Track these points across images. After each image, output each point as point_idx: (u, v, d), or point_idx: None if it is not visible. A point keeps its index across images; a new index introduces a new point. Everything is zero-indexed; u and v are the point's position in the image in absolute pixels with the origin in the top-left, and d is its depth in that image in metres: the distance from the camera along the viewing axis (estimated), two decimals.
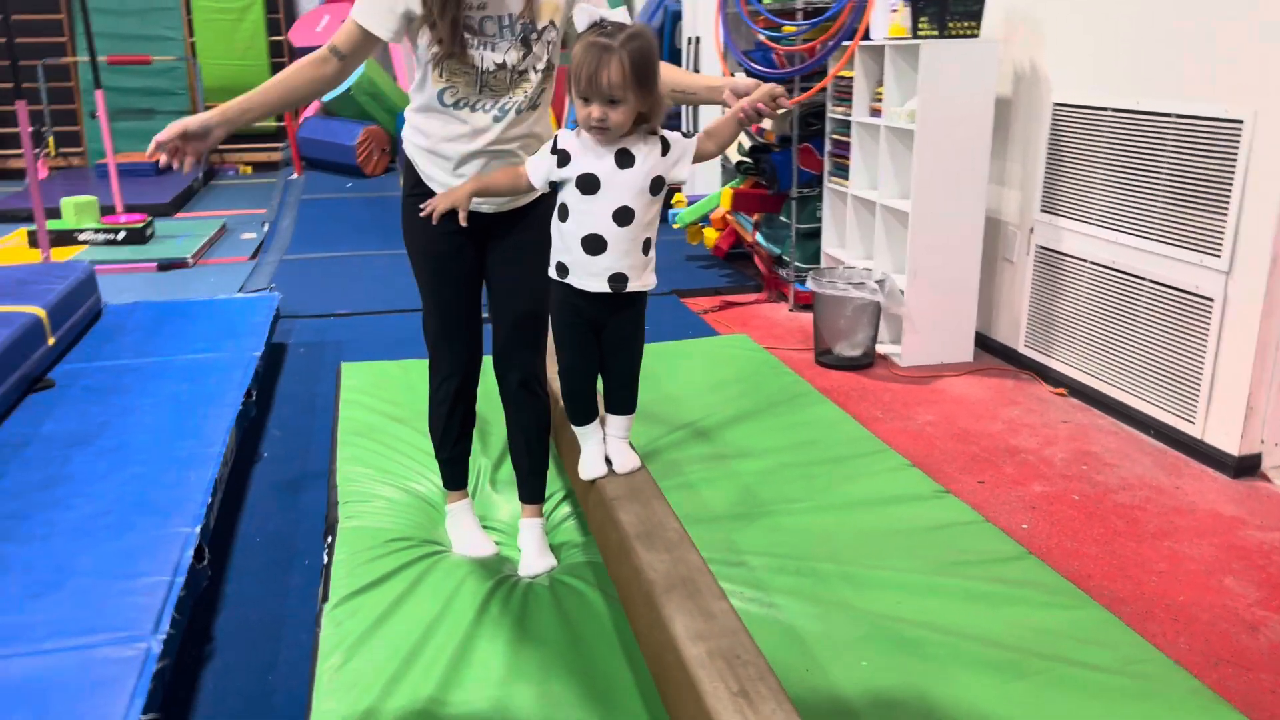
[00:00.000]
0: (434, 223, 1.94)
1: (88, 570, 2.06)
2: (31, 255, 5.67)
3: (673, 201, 5.58)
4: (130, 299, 4.41)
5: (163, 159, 1.86)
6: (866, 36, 4.11)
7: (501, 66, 1.98)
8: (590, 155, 1.84)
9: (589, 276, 1.90)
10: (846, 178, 4.37)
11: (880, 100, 4.06)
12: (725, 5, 4.78)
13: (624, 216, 1.85)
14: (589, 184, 1.84)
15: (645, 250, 1.94)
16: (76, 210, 5.96)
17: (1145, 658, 1.91)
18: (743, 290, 5.15)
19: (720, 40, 4.81)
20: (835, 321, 3.96)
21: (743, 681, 1.35)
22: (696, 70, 6.01)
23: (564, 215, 1.89)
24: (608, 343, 2.01)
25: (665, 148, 1.90)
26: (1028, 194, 3.81)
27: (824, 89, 4.45)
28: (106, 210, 6.48)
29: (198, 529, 2.24)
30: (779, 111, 2.02)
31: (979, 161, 3.79)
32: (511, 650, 1.95)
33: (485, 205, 2.08)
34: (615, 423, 2.08)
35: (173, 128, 1.86)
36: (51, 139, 8.72)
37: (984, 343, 4.12)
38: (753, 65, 4.61)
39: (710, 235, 5.30)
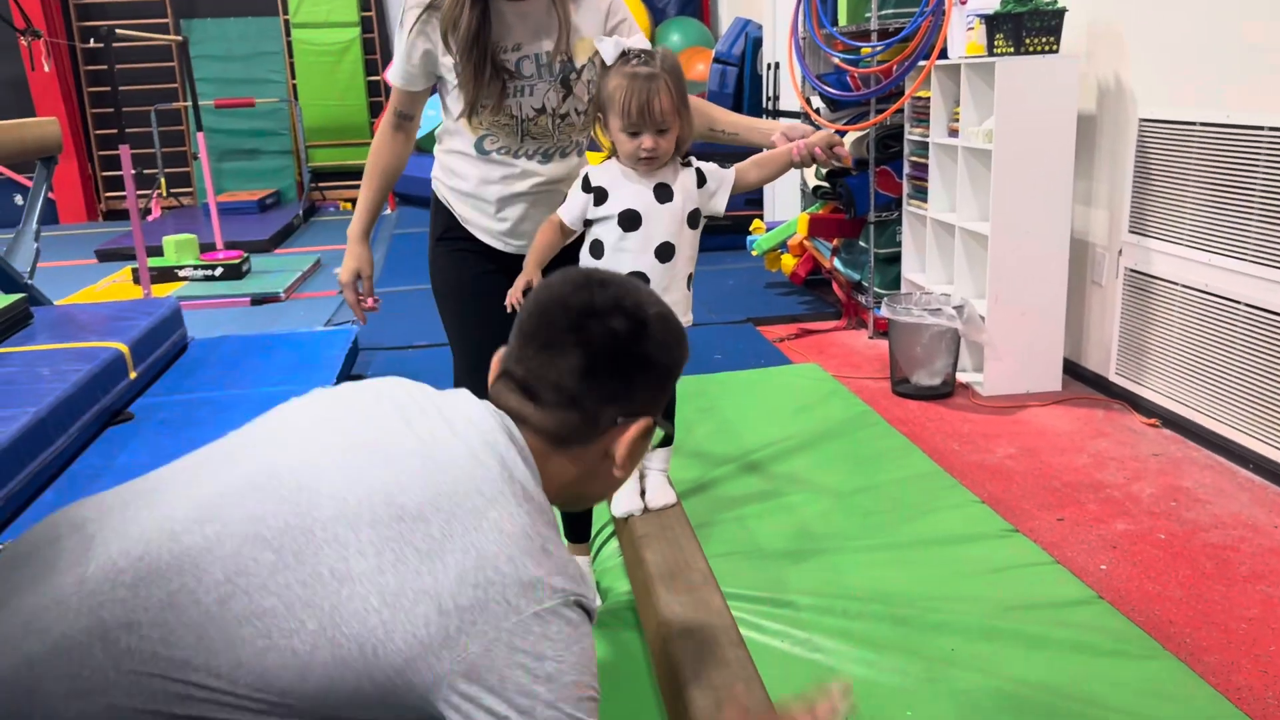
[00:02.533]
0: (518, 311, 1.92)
1: None
2: (135, 291, 5.92)
3: (751, 228, 5.51)
4: (222, 333, 4.56)
5: (368, 305, 2.05)
6: (944, 55, 3.99)
7: (541, 111, 1.92)
8: (629, 190, 1.80)
9: None
10: (925, 200, 4.24)
11: (959, 121, 3.93)
12: (798, 30, 4.71)
13: (666, 252, 1.81)
14: (630, 220, 1.80)
15: (687, 285, 1.89)
16: (177, 248, 6.21)
17: (1222, 714, 1.75)
18: (821, 317, 5.05)
19: (794, 65, 4.74)
20: (911, 349, 3.83)
21: None
22: (775, 97, 5.94)
23: (598, 252, 1.85)
24: None
25: (701, 179, 1.85)
26: (1115, 214, 3.63)
27: (900, 110, 4.33)
28: (208, 247, 6.74)
29: None
30: (834, 161, 1.94)
31: (1061, 181, 3.63)
32: None
33: (525, 247, 2.01)
34: (655, 456, 2.03)
35: (349, 287, 2.02)
36: (163, 180, 9.14)
37: (1074, 371, 3.93)
38: (827, 89, 4.54)
39: (788, 262, 5.21)
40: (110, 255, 7.39)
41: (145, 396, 3.51)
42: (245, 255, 6.45)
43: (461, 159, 1.98)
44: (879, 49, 4.30)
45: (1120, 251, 3.58)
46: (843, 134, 4.68)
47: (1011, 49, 3.57)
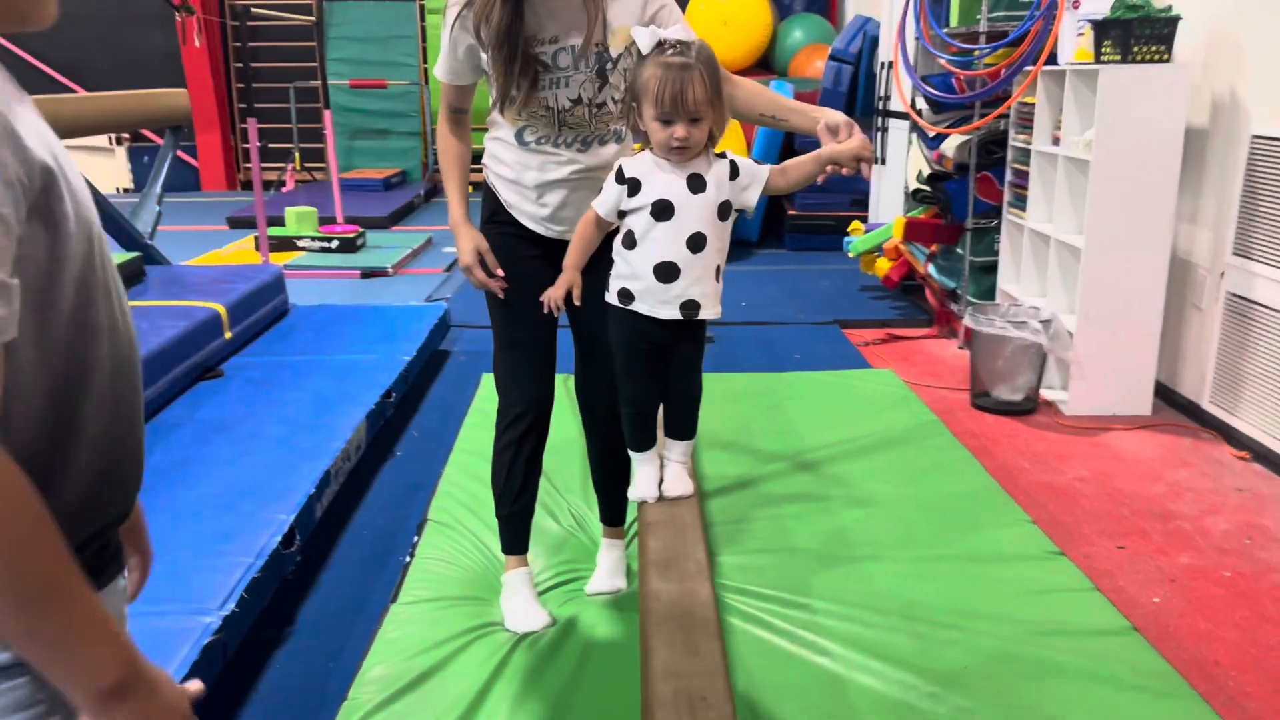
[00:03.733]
0: (555, 314, 1.93)
1: (184, 545, 2.23)
2: (256, 257, 6.23)
3: (849, 229, 5.43)
4: (329, 302, 4.76)
5: (494, 285, 2.07)
6: (1053, 61, 3.85)
7: (577, 102, 1.95)
8: (662, 180, 1.79)
9: (661, 304, 1.83)
10: (1025, 209, 4.10)
11: (1062, 129, 3.79)
12: (904, 30, 4.62)
13: (697, 243, 1.80)
14: (663, 210, 1.79)
15: (717, 277, 1.87)
16: (297, 219, 6.50)
17: None
18: (912, 324, 4.94)
19: (899, 65, 4.65)
20: (993, 362, 3.72)
21: None
22: (886, 97, 5.83)
23: (630, 242, 1.84)
24: (674, 370, 1.93)
25: (734, 172, 1.84)
26: (1219, 234, 3.44)
27: (1005, 116, 4.20)
28: (330, 220, 7.03)
29: (291, 517, 2.38)
30: (857, 171, 1.89)
31: (1164, 197, 3.46)
32: (539, 676, 1.95)
33: (567, 233, 2.04)
34: (675, 447, 2.02)
35: (474, 268, 2.05)
36: (297, 154, 9.57)
37: (1166, 396, 3.74)
38: (930, 90, 4.43)
39: (882, 265, 5.11)
40: (240, 223, 7.79)
41: (239, 355, 3.70)
42: (361, 230, 6.70)
43: (504, 146, 2.03)
44: (986, 51, 4.17)
45: (1223, 274, 3.40)
46: (943, 138, 4.57)
47: (1118, 56, 3.42)
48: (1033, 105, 4.00)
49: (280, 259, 6.23)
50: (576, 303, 1.92)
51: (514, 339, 2.11)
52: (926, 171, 4.89)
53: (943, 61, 4.43)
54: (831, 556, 2.37)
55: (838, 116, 1.90)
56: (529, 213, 2.04)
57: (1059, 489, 3.06)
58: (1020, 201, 4.18)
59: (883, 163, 6.14)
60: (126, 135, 9.72)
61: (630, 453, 2.00)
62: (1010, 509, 2.62)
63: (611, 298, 1.87)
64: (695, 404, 1.99)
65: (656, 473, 1.99)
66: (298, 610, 2.36)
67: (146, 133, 9.76)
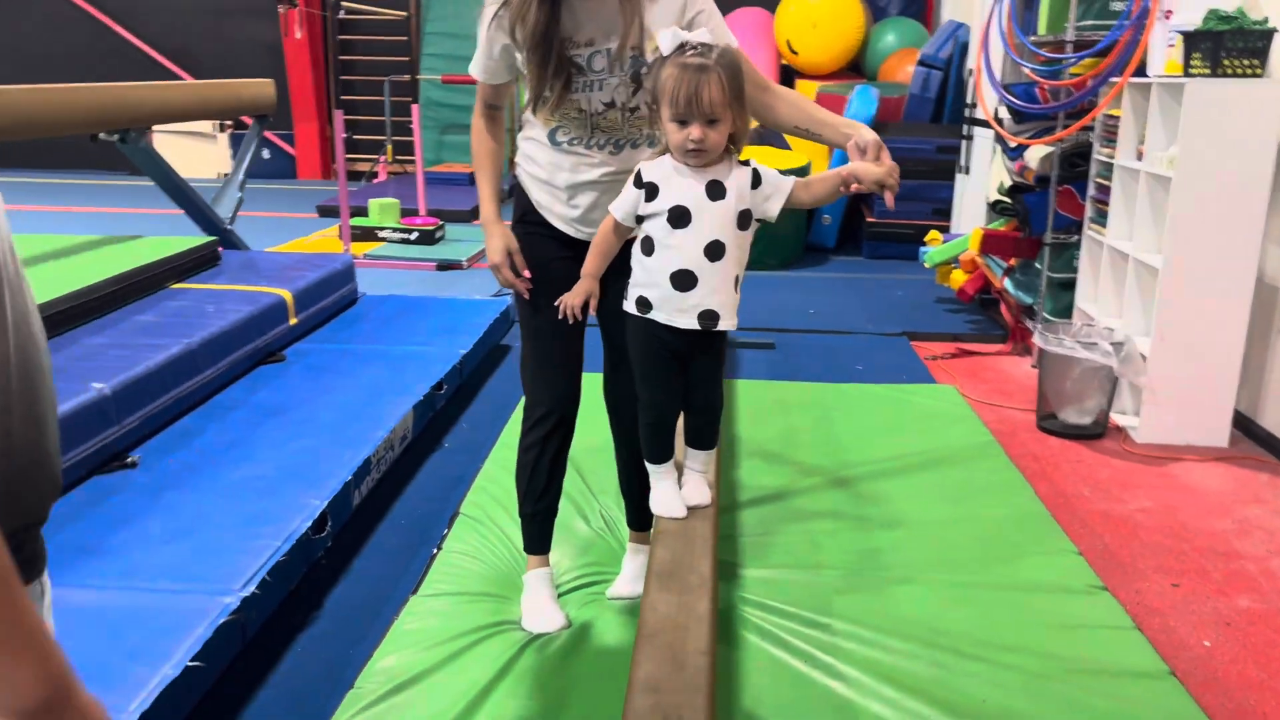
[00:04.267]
0: (570, 321, 1.91)
1: (219, 525, 2.29)
2: (338, 246, 6.37)
3: (926, 239, 5.30)
4: (403, 292, 4.84)
5: (520, 285, 2.06)
6: (1141, 73, 3.69)
7: (611, 105, 1.93)
8: (680, 186, 1.76)
9: (677, 313, 1.79)
10: (1107, 226, 3.94)
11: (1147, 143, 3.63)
12: (989, 37, 4.48)
13: (715, 251, 1.76)
14: (680, 217, 1.76)
15: (735, 287, 1.83)
16: (380, 211, 6.63)
17: None
18: (986, 339, 4.80)
19: (981, 73, 4.52)
20: (1061, 383, 3.58)
21: None
22: (973, 104, 5.67)
23: (649, 249, 1.81)
24: (692, 380, 1.90)
25: (756, 181, 1.80)
26: None
27: (1090, 128, 4.05)
28: (411, 212, 7.15)
29: (324, 503, 2.42)
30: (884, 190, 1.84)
31: (1251, 218, 3.29)
32: (551, 674, 1.94)
33: (591, 233, 2.03)
34: (695, 456, 1.99)
35: (502, 266, 2.05)
36: (389, 147, 9.76)
37: (1246, 427, 3.56)
38: (1012, 99, 4.30)
39: (958, 277, 4.98)
40: (329, 211, 7.98)
41: (303, 342, 3.79)
42: (441, 224, 6.81)
43: (537, 146, 2.02)
44: (1072, 60, 4.02)
45: None
46: (1024, 148, 4.43)
47: (1207, 70, 3.26)
48: (1118, 118, 3.84)
49: (361, 248, 6.37)
50: (592, 312, 1.91)
51: (540, 339, 2.11)
52: (1008, 183, 4.75)
53: (1027, 70, 4.29)
54: (860, 576, 2.31)
55: (869, 135, 1.84)
56: (559, 214, 2.03)
57: (1118, 519, 2.93)
58: (1102, 217, 4.02)
59: (966, 172, 5.99)
60: (229, 123, 10.05)
61: (649, 466, 1.97)
62: (1056, 537, 2.51)
63: (629, 306, 1.84)
64: (716, 415, 1.96)
65: (675, 486, 1.96)
66: (326, 596, 2.40)
67: (248, 121, 10.09)
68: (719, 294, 1.79)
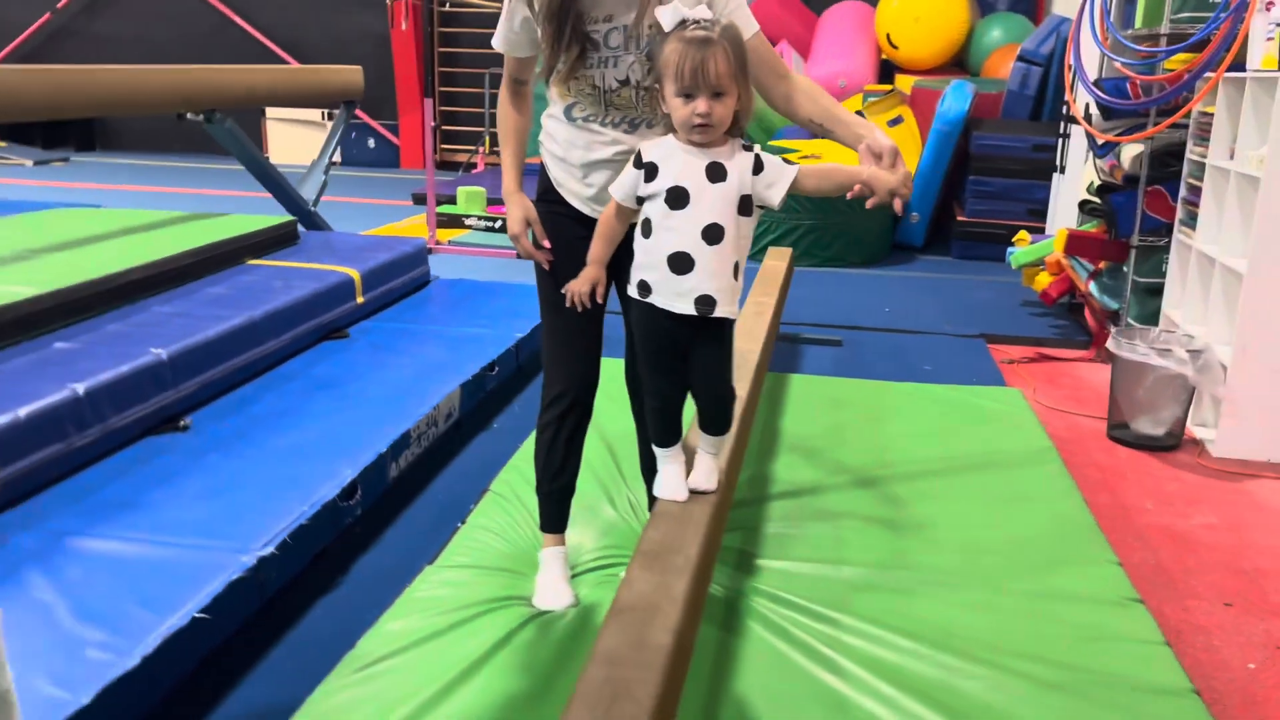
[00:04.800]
0: (579, 309, 1.90)
1: (252, 486, 2.37)
2: (425, 231, 6.53)
3: (1014, 240, 5.13)
4: (480, 278, 4.92)
5: (540, 256, 2.08)
6: (1239, 67, 3.50)
7: (625, 83, 1.92)
8: (679, 166, 1.73)
9: (674, 297, 1.75)
10: (1196, 229, 3.75)
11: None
12: (1079, 32, 4.31)
13: (714, 234, 1.72)
14: (678, 198, 1.72)
15: (735, 274, 1.78)
16: (466, 199, 6.77)
17: None
18: (1069, 345, 4.62)
19: (1069, 68, 4.34)
20: (1133, 391, 3.42)
21: (611, 718, 1.25)
22: (1067, 102, 5.45)
23: (647, 230, 1.77)
24: (695, 367, 1.85)
25: (758, 166, 1.76)
26: None
27: (1183, 126, 3.85)
28: (499, 201, 7.27)
29: (355, 473, 2.48)
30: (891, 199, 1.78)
31: None
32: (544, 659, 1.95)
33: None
34: (705, 439, 1.94)
35: (520, 236, 2.08)
36: (488, 138, 9.93)
37: None
38: (1100, 94, 4.12)
39: (1043, 279, 4.80)
40: (422, 199, 8.16)
41: (369, 320, 3.89)
42: None
43: (557, 124, 2.03)
44: (1165, 54, 3.84)
45: None
46: (1112, 146, 4.24)
47: None
48: (1212, 115, 3.64)
49: (446, 235, 6.50)
50: (600, 300, 1.88)
51: (557, 319, 2.11)
52: (1097, 182, 4.56)
53: (1119, 65, 4.11)
54: (880, 575, 2.25)
55: (884, 142, 1.78)
56: (575, 191, 2.04)
57: (1177, 534, 2.79)
58: (1192, 220, 3.82)
59: (1062, 171, 5.77)
60: (336, 110, 10.38)
61: (656, 449, 1.93)
62: (1097, 547, 2.40)
63: (632, 290, 1.81)
64: (725, 403, 1.90)
65: (681, 470, 1.92)
66: (353, 563, 2.46)
67: (360, 112, 10.38)
68: (716, 279, 1.74)
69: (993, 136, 6.26)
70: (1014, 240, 5.17)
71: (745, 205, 1.74)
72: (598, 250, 1.88)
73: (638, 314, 1.84)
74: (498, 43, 2.03)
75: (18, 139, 10.53)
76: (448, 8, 10.37)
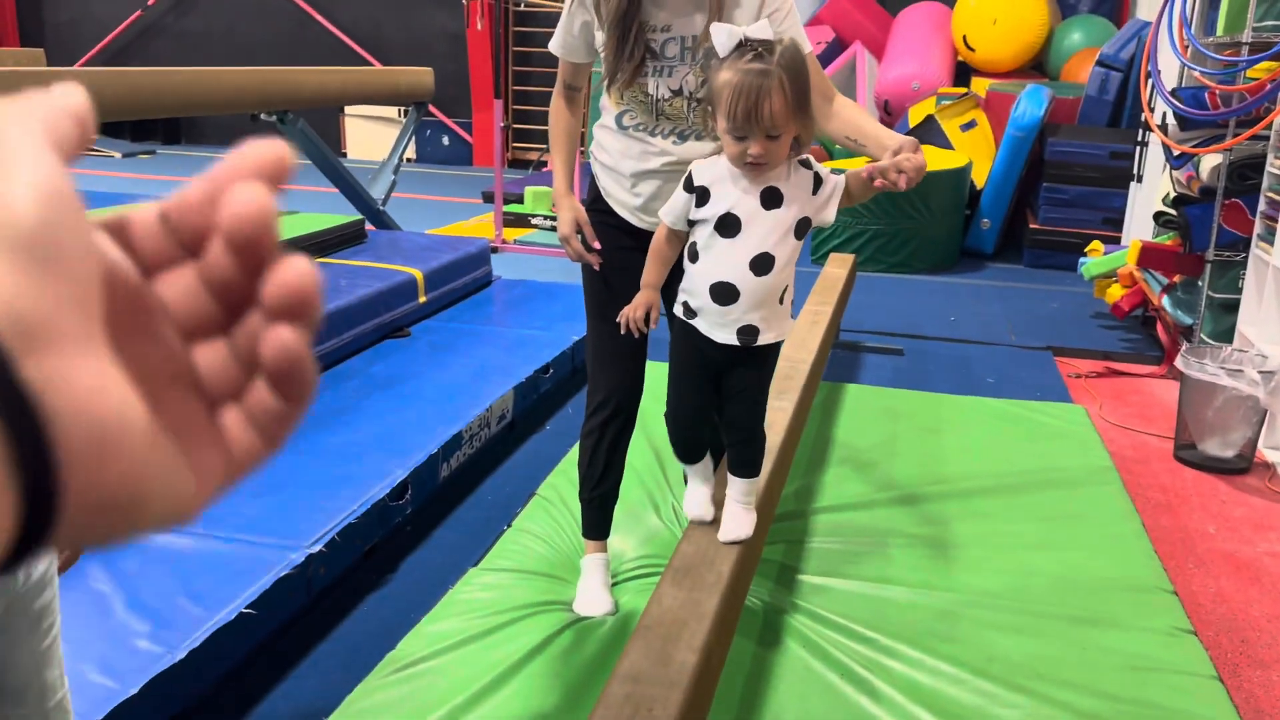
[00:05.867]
0: (636, 335, 1.84)
1: (307, 484, 2.43)
2: (491, 230, 6.61)
3: (1087, 250, 5.00)
4: (544, 279, 4.98)
5: (591, 258, 2.10)
6: None
7: (678, 93, 1.92)
8: (733, 192, 1.64)
9: (718, 327, 1.69)
10: (1274, 244, 3.62)
11: None
12: (1157, 40, 4.19)
13: (763, 264, 1.63)
14: (729, 225, 1.63)
15: (781, 300, 1.70)
16: (533, 198, 6.83)
17: None
18: (1140, 360, 4.49)
19: (1146, 77, 4.22)
20: (1202, 412, 3.32)
21: None
22: (1151, 109, 5.30)
23: (694, 255, 1.70)
24: (728, 394, 1.78)
25: (817, 184, 1.68)
26: None
27: (1264, 137, 3.72)
28: None
29: (406, 473, 2.53)
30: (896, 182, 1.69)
31: None
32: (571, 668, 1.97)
33: (654, 222, 2.02)
34: (736, 485, 1.83)
35: (570, 238, 2.09)
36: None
37: None
38: (1177, 104, 4.00)
39: (1115, 292, 4.68)
40: (491, 197, 8.25)
41: (431, 320, 3.95)
42: None
43: (608, 133, 2.05)
44: (1247, 63, 3.71)
45: None
46: (1188, 157, 4.12)
47: None
48: None
49: (513, 234, 6.57)
50: (653, 325, 1.83)
51: (603, 325, 2.12)
52: (1173, 194, 4.43)
53: (1197, 74, 3.98)
54: (924, 595, 2.22)
55: (903, 139, 1.73)
56: (623, 201, 2.05)
57: (1241, 561, 2.70)
58: (1271, 235, 3.69)
59: (1139, 180, 5.62)
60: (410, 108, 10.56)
61: (683, 465, 1.90)
62: (1152, 574, 2.34)
63: (677, 308, 1.77)
64: (755, 436, 1.82)
65: (707, 487, 1.86)
66: (401, 561, 2.51)
67: (435, 110, 10.56)
68: (761, 309, 1.67)
69: (1068, 143, 6.11)
70: (1087, 250, 5.05)
71: (801, 229, 1.67)
72: (651, 274, 1.82)
73: (679, 332, 1.80)
74: (555, 47, 2.05)
75: (107, 132, 10.91)
76: (522, 7, 10.46)
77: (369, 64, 10.77)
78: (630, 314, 1.82)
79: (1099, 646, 2.05)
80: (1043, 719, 1.81)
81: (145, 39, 11.80)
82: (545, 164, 9.98)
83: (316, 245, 4.02)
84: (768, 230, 1.64)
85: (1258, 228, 3.82)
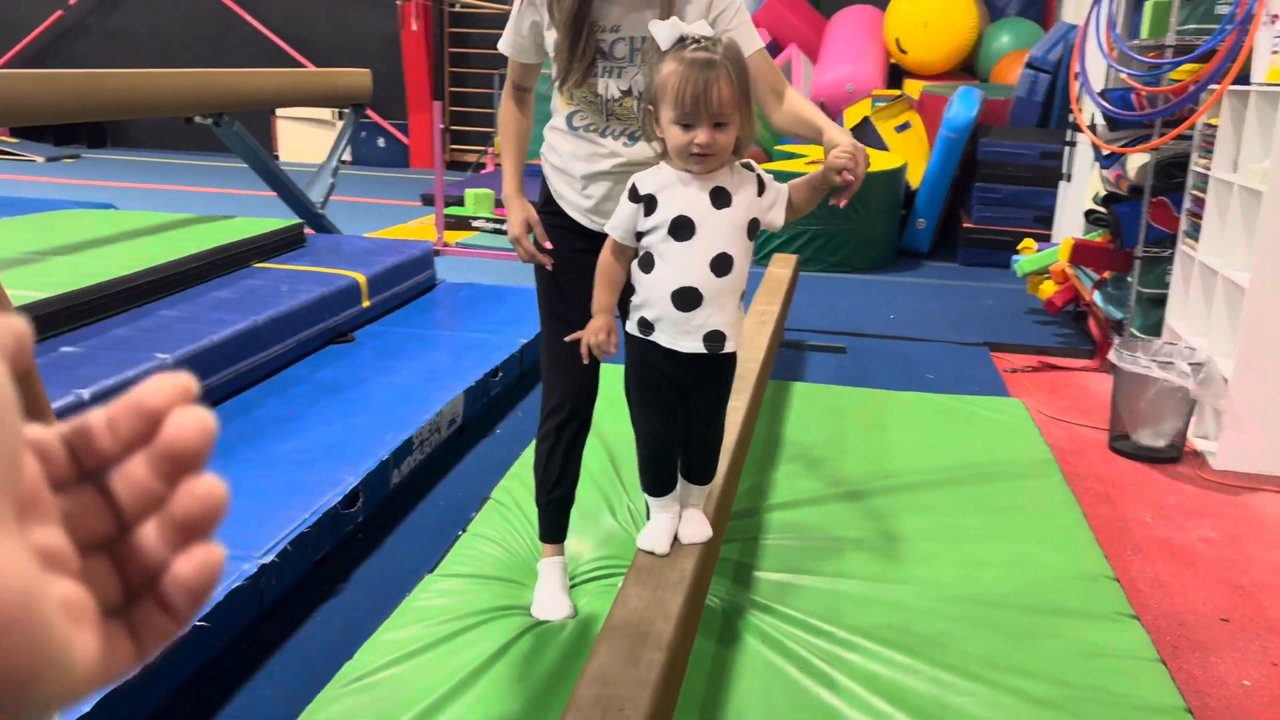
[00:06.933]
0: (601, 360, 1.79)
1: (256, 494, 2.39)
2: (433, 233, 6.55)
3: (1019, 247, 5.13)
4: (487, 281, 4.95)
5: (543, 259, 2.06)
6: (1245, 79, 3.50)
7: (627, 93, 1.92)
8: (680, 195, 1.61)
9: (681, 335, 1.64)
10: (1200, 241, 3.75)
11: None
12: (1085, 42, 4.31)
13: (722, 265, 1.61)
14: (682, 228, 1.61)
15: (739, 304, 1.69)
16: (475, 201, 6.79)
17: None
18: (1073, 354, 4.61)
19: (1075, 76, 4.34)
20: (1135, 403, 3.42)
21: None
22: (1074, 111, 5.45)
23: (647, 265, 1.66)
24: (693, 410, 1.74)
25: (761, 187, 1.67)
26: None
27: (1188, 137, 3.85)
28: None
29: (357, 480, 2.50)
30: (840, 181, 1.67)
31: None
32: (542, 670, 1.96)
33: (605, 223, 2.02)
34: (692, 491, 1.83)
35: (521, 239, 2.07)
36: (497, 139, 9.95)
37: None
38: (1105, 105, 4.12)
39: (1048, 288, 4.80)
40: (432, 200, 8.18)
41: (375, 324, 3.91)
42: None
43: (557, 134, 2.04)
44: (1171, 66, 3.84)
45: None
46: (1116, 156, 4.24)
47: None
48: (1217, 127, 3.64)
49: (454, 237, 6.52)
50: (611, 350, 1.76)
51: (556, 328, 2.11)
52: (1103, 192, 4.56)
53: (1124, 76, 4.11)
54: (878, 588, 2.26)
55: (843, 140, 1.73)
56: (574, 203, 2.05)
57: (1176, 548, 2.79)
58: (1196, 231, 3.82)
59: (1069, 179, 5.77)
60: (346, 110, 10.41)
61: (648, 499, 1.85)
62: (1094, 561, 2.41)
63: (631, 327, 1.72)
64: (715, 451, 1.84)
65: (673, 523, 1.81)
66: (354, 570, 2.48)
67: (371, 112, 10.41)
68: (726, 312, 1.64)
69: (1000, 143, 6.26)
70: (1019, 248, 5.17)
71: (752, 229, 1.66)
72: (603, 298, 1.76)
73: (635, 352, 1.75)
74: (504, 47, 2.04)
75: (29, 135, 10.58)
76: (457, 8, 10.39)
77: (301, 65, 10.60)
78: (590, 340, 1.74)
79: (1048, 634, 2.10)
80: (998, 706, 1.85)
81: (68, 39, 11.47)
82: (484, 166, 9.93)
83: (256, 250, 3.95)
84: (722, 230, 1.62)
85: (1183, 225, 3.95)
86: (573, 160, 2.01)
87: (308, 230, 4.45)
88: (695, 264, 1.62)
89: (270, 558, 2.11)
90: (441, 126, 6.02)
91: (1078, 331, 4.92)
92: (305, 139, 10.48)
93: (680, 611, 1.57)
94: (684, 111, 1.57)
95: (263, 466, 2.57)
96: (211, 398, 2.96)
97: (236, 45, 10.86)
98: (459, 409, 3.17)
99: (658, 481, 1.81)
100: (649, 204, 1.64)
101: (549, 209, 2.11)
